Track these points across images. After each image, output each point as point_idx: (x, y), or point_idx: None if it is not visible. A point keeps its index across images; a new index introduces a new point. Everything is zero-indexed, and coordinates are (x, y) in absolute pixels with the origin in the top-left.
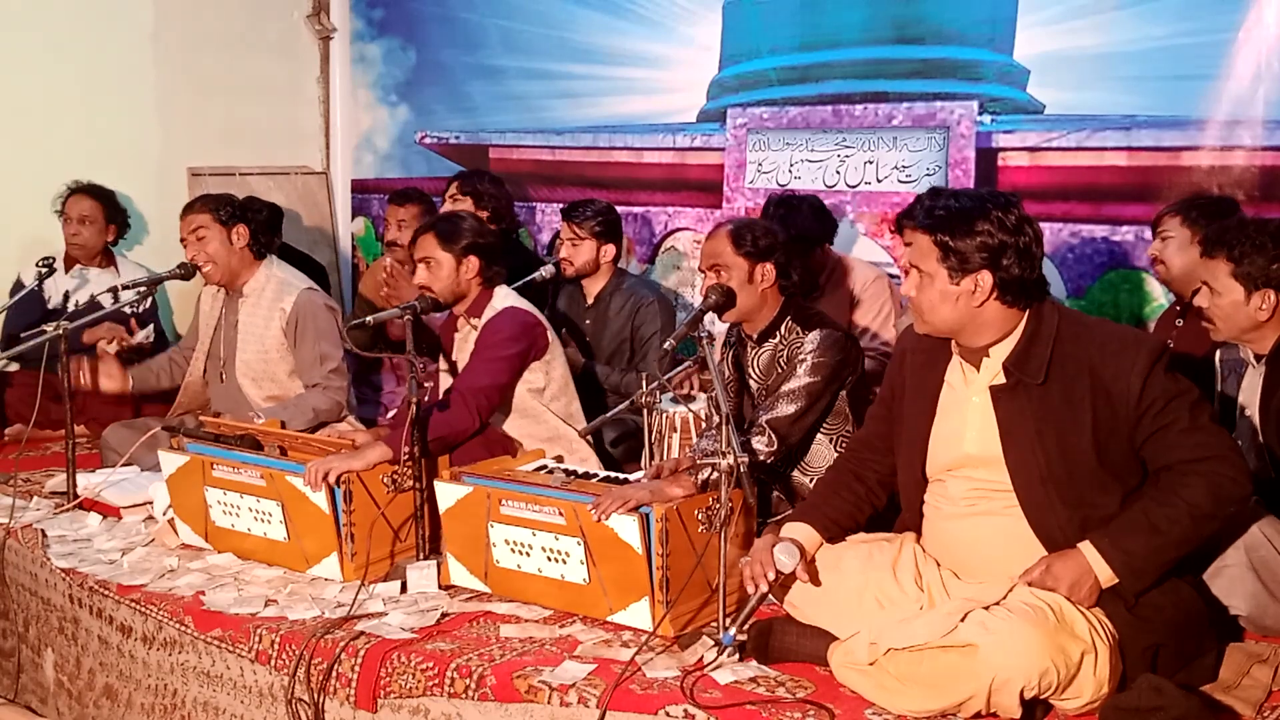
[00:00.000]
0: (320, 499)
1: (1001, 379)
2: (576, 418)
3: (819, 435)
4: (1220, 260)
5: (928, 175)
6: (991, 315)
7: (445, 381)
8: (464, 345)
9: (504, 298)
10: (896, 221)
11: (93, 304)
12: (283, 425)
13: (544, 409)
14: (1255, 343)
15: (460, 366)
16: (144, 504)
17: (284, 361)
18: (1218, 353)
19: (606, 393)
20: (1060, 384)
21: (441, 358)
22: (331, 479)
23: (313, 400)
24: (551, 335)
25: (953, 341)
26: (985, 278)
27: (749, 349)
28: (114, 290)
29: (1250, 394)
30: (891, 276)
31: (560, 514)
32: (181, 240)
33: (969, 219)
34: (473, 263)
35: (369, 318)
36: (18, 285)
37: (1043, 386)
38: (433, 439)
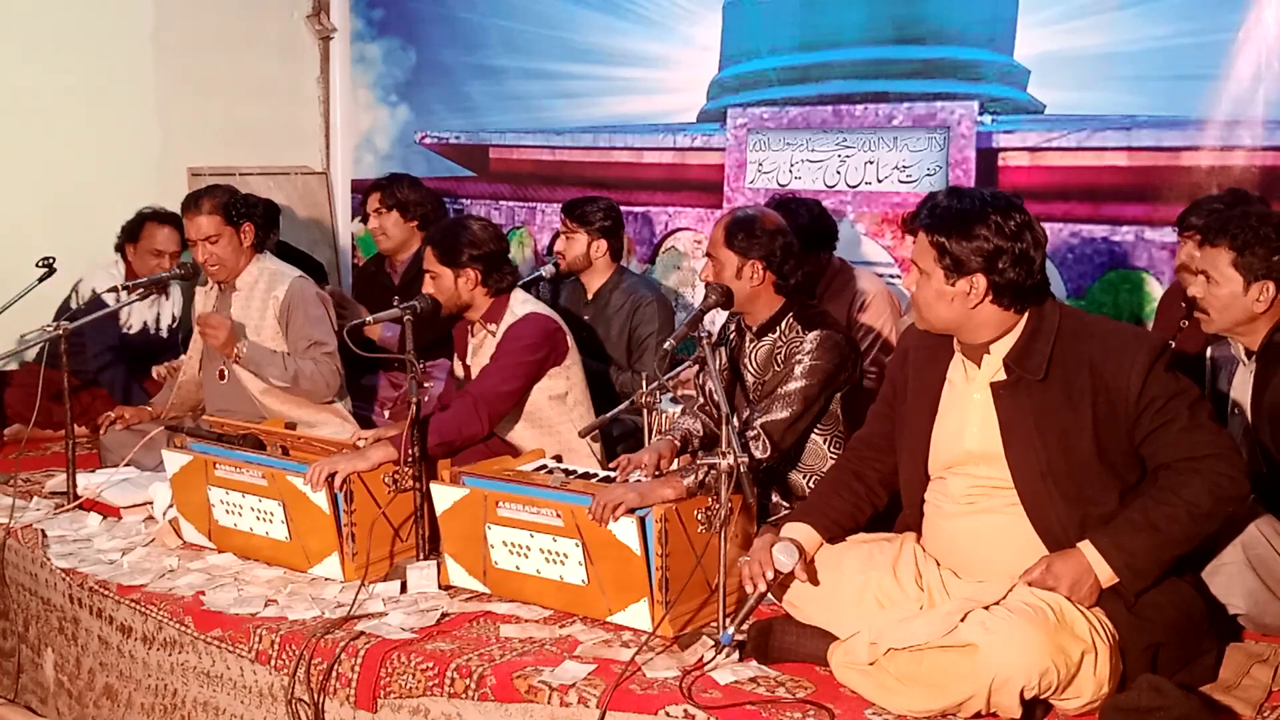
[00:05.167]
0: (321, 499)
1: (1002, 375)
2: None
3: (814, 435)
4: (1222, 249)
5: (928, 175)
6: (987, 316)
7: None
8: (480, 349)
9: (523, 302)
10: (907, 220)
11: (95, 301)
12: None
13: (564, 418)
14: (1247, 336)
15: (475, 370)
16: (144, 504)
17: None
18: (1209, 349)
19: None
20: (1061, 380)
21: (455, 359)
22: (337, 481)
23: (299, 363)
24: (570, 340)
25: (954, 338)
26: (979, 281)
27: (747, 340)
28: (115, 290)
29: (1242, 390)
30: (892, 278)
31: (558, 515)
32: (190, 242)
33: (967, 222)
34: (471, 274)
35: (369, 318)
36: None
37: (1043, 383)
38: (440, 443)
